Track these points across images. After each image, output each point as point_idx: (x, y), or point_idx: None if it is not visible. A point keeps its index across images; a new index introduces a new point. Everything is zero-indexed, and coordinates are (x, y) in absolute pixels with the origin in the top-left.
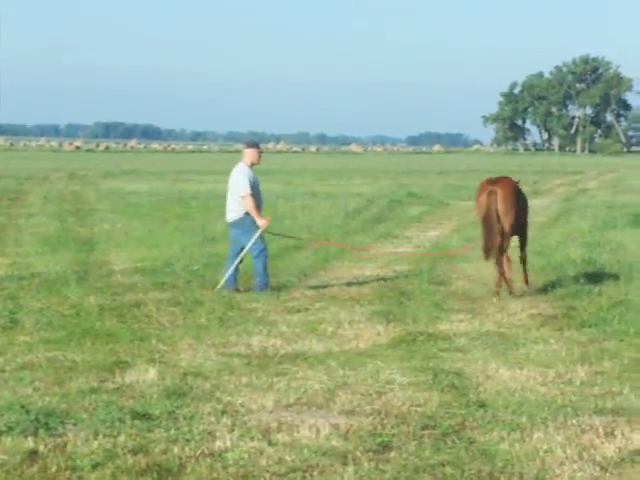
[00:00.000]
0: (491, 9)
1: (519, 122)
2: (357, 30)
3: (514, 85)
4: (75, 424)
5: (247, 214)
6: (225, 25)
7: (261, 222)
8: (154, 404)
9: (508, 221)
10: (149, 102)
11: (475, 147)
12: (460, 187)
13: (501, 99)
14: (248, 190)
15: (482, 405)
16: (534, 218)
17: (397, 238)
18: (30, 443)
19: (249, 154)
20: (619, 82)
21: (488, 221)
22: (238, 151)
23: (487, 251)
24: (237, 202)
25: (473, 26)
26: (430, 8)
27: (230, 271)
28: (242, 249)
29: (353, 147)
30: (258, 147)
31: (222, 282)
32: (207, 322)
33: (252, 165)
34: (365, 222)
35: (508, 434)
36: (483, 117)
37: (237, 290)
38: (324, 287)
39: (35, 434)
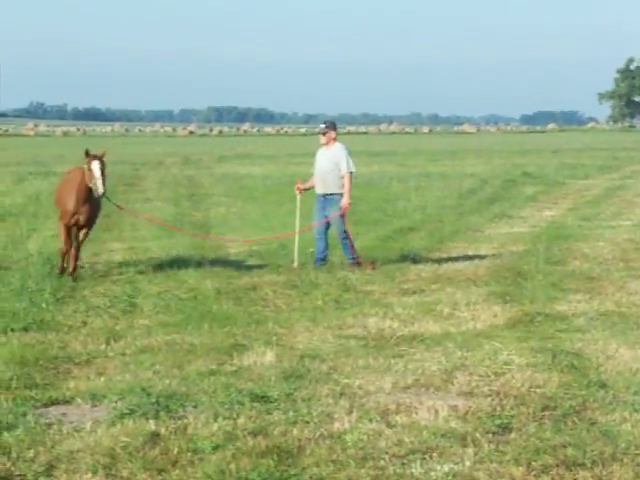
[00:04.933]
0: None
1: (636, 99)
2: (457, 15)
3: (630, 61)
4: (195, 406)
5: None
6: (337, 11)
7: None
8: (272, 386)
9: None
10: (262, 86)
11: (590, 125)
12: (576, 166)
13: (617, 75)
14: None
15: (603, 386)
16: None
17: (512, 218)
18: (152, 425)
19: None
20: None
21: None
22: (350, 133)
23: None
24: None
25: (589, 2)
26: None
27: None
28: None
29: (466, 127)
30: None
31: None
32: (323, 304)
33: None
34: (479, 203)
35: (630, 415)
36: (598, 94)
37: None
38: (439, 268)
39: (156, 416)
